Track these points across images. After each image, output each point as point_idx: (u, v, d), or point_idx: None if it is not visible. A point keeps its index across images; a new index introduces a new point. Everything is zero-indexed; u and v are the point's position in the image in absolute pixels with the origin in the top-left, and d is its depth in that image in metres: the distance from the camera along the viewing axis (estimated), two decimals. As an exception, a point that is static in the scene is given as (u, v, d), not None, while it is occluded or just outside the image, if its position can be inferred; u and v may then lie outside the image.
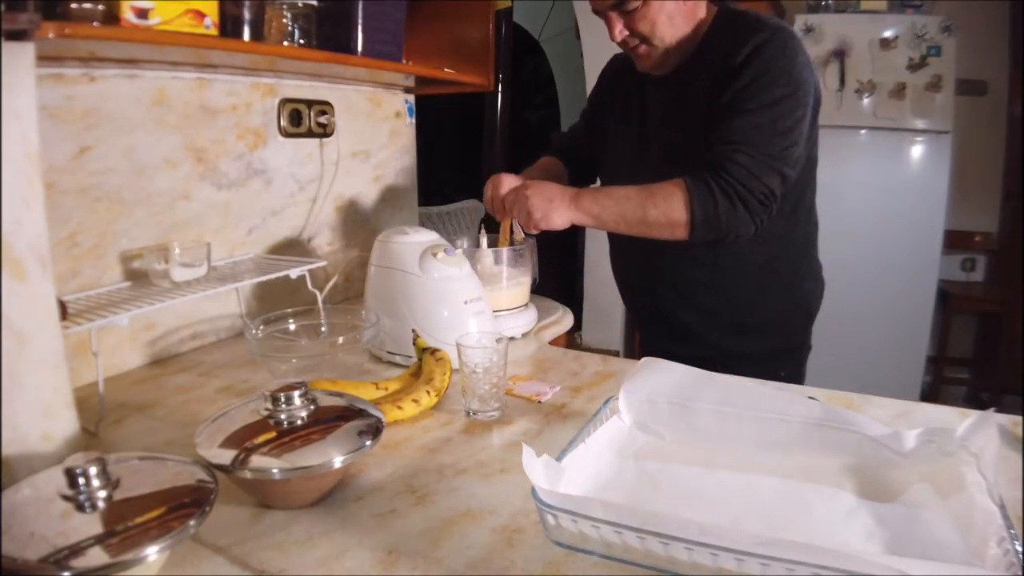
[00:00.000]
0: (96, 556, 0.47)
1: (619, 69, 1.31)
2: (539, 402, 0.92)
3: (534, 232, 1.11)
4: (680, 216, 1.02)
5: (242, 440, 0.64)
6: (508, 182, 1.18)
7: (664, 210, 1.03)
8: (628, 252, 1.27)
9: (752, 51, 1.03)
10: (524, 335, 1.22)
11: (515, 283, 1.20)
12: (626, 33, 1.09)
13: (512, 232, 1.17)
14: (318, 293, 1.11)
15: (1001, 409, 0.74)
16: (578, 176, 1.38)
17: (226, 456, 0.62)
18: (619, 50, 1.25)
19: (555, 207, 1.07)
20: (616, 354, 2.84)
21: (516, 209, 1.10)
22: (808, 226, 1.21)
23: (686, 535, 0.48)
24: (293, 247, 1.33)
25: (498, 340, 0.87)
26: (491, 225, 1.33)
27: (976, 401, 3.09)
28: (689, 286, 1.19)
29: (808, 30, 2.82)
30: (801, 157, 1.07)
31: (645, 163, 1.20)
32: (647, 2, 1.05)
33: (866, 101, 2.80)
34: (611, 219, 1.07)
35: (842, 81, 2.80)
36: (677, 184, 1.03)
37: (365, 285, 1.13)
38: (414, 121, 1.63)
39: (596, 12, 1.11)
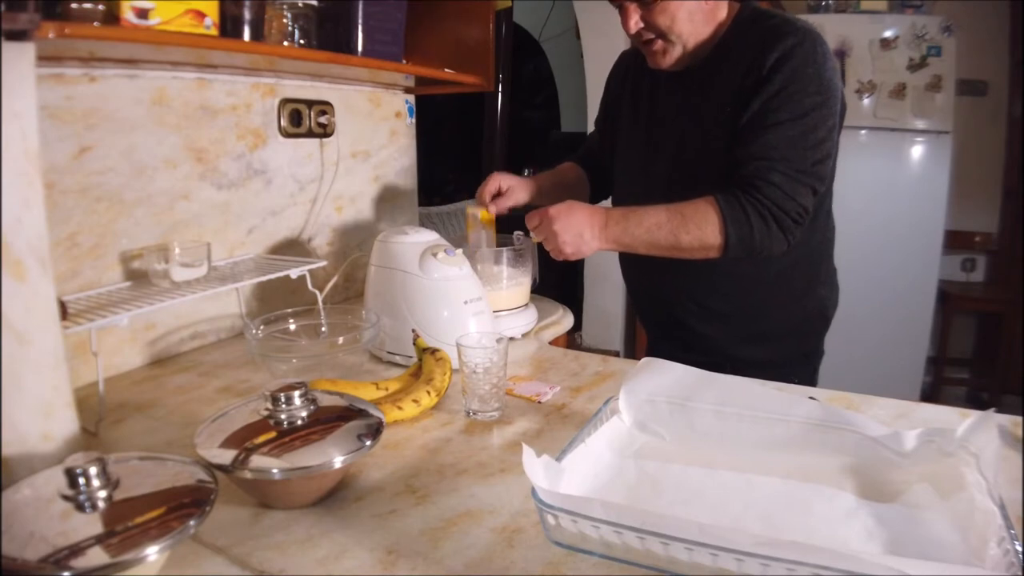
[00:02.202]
0: (96, 556, 0.47)
1: (628, 67, 1.27)
2: (539, 402, 0.92)
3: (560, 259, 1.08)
4: (714, 240, 1.00)
5: (242, 440, 0.64)
6: (503, 181, 1.17)
7: (697, 235, 1.00)
8: (642, 259, 1.21)
9: (781, 56, 0.99)
10: (524, 335, 1.22)
11: (515, 283, 1.20)
12: (641, 26, 1.04)
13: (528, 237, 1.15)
14: (318, 293, 1.11)
15: (1001, 409, 0.74)
16: (600, 182, 1.36)
17: (226, 456, 0.62)
18: (619, 51, 1.24)
19: (585, 241, 1.03)
20: (616, 354, 2.84)
21: (546, 242, 1.06)
22: (827, 231, 1.19)
23: (686, 535, 0.48)
24: (293, 247, 1.33)
25: (498, 340, 0.87)
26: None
27: (976, 401, 3.09)
28: (707, 294, 1.16)
29: (808, 30, 2.82)
30: (831, 170, 1.04)
31: (656, 164, 1.16)
32: None
33: (866, 101, 2.80)
34: (642, 247, 1.04)
35: (842, 81, 2.80)
36: (709, 205, 1.00)
37: (365, 285, 1.13)
38: (414, 121, 1.63)
39: (612, 1, 1.07)
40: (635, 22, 1.04)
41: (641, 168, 1.20)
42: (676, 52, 1.07)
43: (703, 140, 1.08)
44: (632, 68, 1.25)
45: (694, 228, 1.00)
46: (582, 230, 1.03)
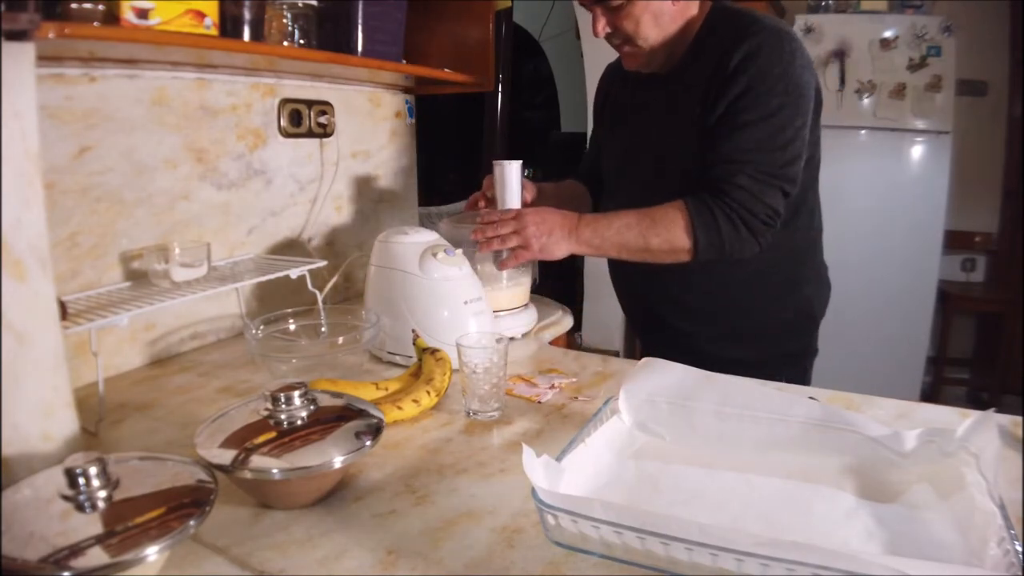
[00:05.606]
0: (96, 556, 0.47)
1: (613, 72, 1.29)
2: (539, 402, 0.92)
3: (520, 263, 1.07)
4: (683, 242, 1.01)
5: (242, 440, 0.64)
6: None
7: (666, 238, 1.01)
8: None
9: (745, 56, 0.99)
10: (524, 335, 1.22)
11: (515, 283, 1.20)
12: (608, 30, 1.06)
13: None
14: (318, 293, 1.11)
15: (1001, 409, 0.74)
16: (601, 197, 1.36)
17: (226, 456, 0.62)
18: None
19: (555, 239, 1.04)
20: (616, 354, 2.84)
21: (515, 238, 1.05)
22: (810, 230, 1.17)
23: (686, 535, 0.48)
24: (293, 247, 1.33)
25: (498, 340, 0.87)
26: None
27: (976, 401, 3.09)
28: (683, 292, 1.17)
29: (808, 30, 2.82)
30: (801, 171, 1.04)
31: (637, 166, 1.17)
32: (632, 0, 1.02)
33: (866, 101, 2.80)
34: (612, 249, 1.05)
35: (842, 81, 2.80)
36: (678, 208, 1.01)
37: (365, 285, 1.13)
38: (414, 121, 1.63)
39: (582, 5, 1.09)
40: (602, 27, 1.06)
41: (623, 171, 1.21)
42: (644, 55, 1.08)
43: (678, 141, 1.09)
44: (616, 74, 1.26)
45: (663, 230, 1.01)
46: (552, 228, 1.04)
